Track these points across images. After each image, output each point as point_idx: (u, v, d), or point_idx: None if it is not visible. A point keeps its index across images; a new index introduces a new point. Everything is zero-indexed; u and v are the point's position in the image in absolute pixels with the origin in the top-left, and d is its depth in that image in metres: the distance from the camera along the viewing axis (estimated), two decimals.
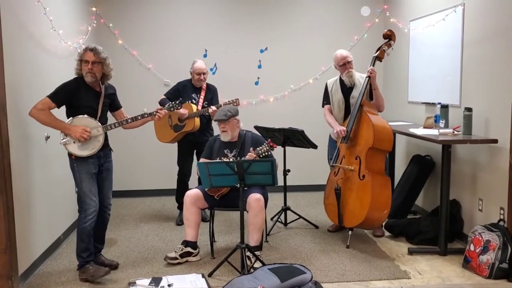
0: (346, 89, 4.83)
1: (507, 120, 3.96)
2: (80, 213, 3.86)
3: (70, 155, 3.81)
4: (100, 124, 3.83)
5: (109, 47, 6.31)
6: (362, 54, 5.93)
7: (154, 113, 4.01)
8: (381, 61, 4.78)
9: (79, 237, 3.86)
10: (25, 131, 3.91)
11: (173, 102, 4.13)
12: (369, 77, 4.59)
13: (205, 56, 6.54)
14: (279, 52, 6.72)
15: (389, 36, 4.76)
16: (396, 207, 5.22)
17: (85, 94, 3.80)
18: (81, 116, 3.76)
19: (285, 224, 5.28)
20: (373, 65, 4.67)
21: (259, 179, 3.90)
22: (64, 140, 3.73)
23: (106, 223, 4.16)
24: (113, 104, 4.10)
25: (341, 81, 4.87)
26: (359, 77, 4.79)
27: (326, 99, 5.03)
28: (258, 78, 6.75)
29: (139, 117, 3.99)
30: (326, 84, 5.05)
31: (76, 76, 3.84)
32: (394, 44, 4.80)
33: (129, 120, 3.98)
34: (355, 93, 4.73)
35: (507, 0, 3.98)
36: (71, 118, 3.76)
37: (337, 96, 4.88)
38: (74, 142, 3.74)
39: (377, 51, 4.76)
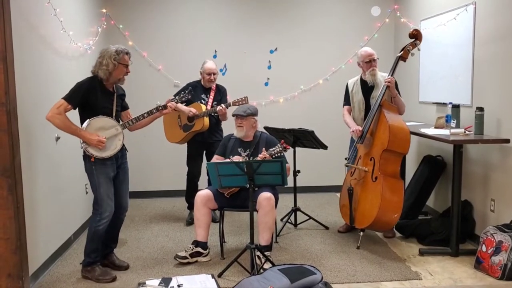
0: (367, 89, 4.77)
1: None
2: (95, 216, 3.86)
3: (88, 158, 3.78)
4: (117, 123, 3.84)
5: None
6: None
7: (167, 105, 4.05)
8: (405, 61, 4.65)
9: (90, 238, 3.87)
10: (35, 132, 3.93)
11: (182, 92, 4.17)
12: (387, 86, 4.52)
13: (214, 57, 6.54)
14: (289, 52, 6.70)
15: (415, 36, 4.62)
16: (407, 207, 5.17)
17: (101, 94, 3.79)
18: (98, 117, 3.75)
19: (295, 225, 5.26)
20: (396, 65, 4.59)
21: (268, 180, 3.89)
22: (84, 143, 3.73)
23: (121, 223, 4.19)
24: (121, 105, 4.09)
25: (362, 81, 4.82)
26: (380, 77, 4.72)
27: (346, 100, 5.00)
28: (268, 78, 6.73)
29: (154, 111, 4.01)
30: (347, 85, 5.00)
31: (91, 76, 3.81)
32: (420, 44, 4.65)
33: (145, 115, 3.99)
34: (376, 93, 4.66)
35: None
36: (88, 120, 3.73)
37: (357, 97, 4.84)
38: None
39: (401, 51, 4.64)
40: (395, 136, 4.39)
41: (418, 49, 4.71)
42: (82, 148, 3.76)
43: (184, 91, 4.19)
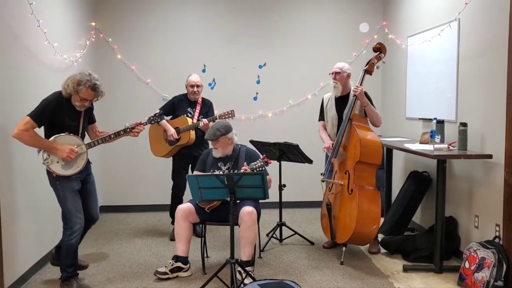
0: (340, 105, 4.76)
1: (502, 135, 3.90)
2: (66, 230, 3.82)
3: (50, 173, 3.73)
4: (83, 142, 3.78)
5: (108, 61, 6.38)
6: (360, 71, 5.88)
7: (136, 127, 3.97)
8: (370, 74, 4.69)
9: (65, 254, 3.83)
10: (15, 144, 3.88)
11: (152, 115, 4.13)
12: (354, 95, 4.52)
13: (203, 71, 6.55)
14: (278, 68, 6.72)
15: (379, 49, 4.67)
16: (392, 223, 5.16)
17: (67, 112, 3.72)
18: (64, 134, 3.69)
19: (280, 240, 5.21)
20: (363, 79, 4.61)
21: (249, 193, 3.84)
22: (47, 160, 3.65)
23: (86, 231, 4.10)
24: (88, 118, 4.01)
25: (336, 97, 4.82)
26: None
27: (321, 115, 5.00)
28: (257, 93, 6.74)
29: (122, 132, 3.94)
30: (322, 99, 5.01)
31: (58, 92, 3.72)
32: (384, 57, 4.69)
33: (112, 136, 3.94)
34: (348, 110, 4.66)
35: (501, 15, 3.95)
36: (54, 136, 3.66)
37: (331, 112, 4.84)
38: (57, 162, 3.67)
39: (366, 65, 4.67)
40: (367, 148, 4.39)
41: (383, 62, 4.75)
42: (44, 164, 3.68)
43: (154, 115, 4.16)
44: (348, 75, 4.75)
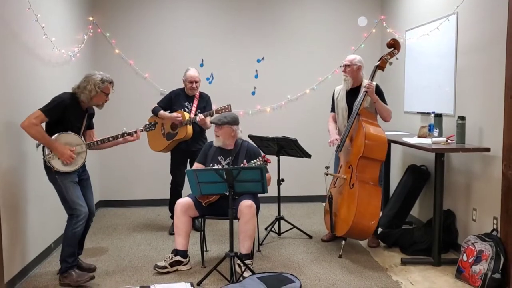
0: (351, 97, 4.75)
1: (500, 128, 3.92)
2: (71, 219, 3.87)
3: (49, 168, 3.81)
4: (84, 142, 3.91)
5: (106, 56, 6.37)
6: None
7: (133, 133, 4.15)
8: (383, 70, 4.66)
9: (67, 242, 3.87)
10: (15, 138, 3.90)
11: (147, 124, 4.37)
12: (366, 91, 4.52)
13: (201, 65, 6.54)
14: (276, 62, 6.72)
15: (393, 45, 4.63)
16: (390, 217, 5.17)
17: (75, 113, 3.89)
18: (67, 133, 3.82)
19: (279, 234, 5.23)
20: (374, 74, 4.60)
21: (248, 187, 3.85)
22: (49, 155, 3.76)
23: (88, 229, 4.21)
24: (88, 123, 4.16)
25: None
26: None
27: (332, 107, 5.02)
28: (255, 88, 6.73)
29: (119, 136, 4.11)
30: (334, 91, 5.02)
31: (70, 93, 3.89)
32: (398, 53, 4.66)
33: (110, 138, 4.09)
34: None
35: (499, 9, 3.96)
36: (57, 134, 3.78)
37: (341, 104, 4.84)
38: (58, 158, 3.79)
39: (379, 60, 4.64)
40: (371, 143, 4.39)
41: (397, 58, 4.73)
42: (45, 159, 3.79)
43: (149, 124, 4.37)
44: (359, 68, 4.74)
